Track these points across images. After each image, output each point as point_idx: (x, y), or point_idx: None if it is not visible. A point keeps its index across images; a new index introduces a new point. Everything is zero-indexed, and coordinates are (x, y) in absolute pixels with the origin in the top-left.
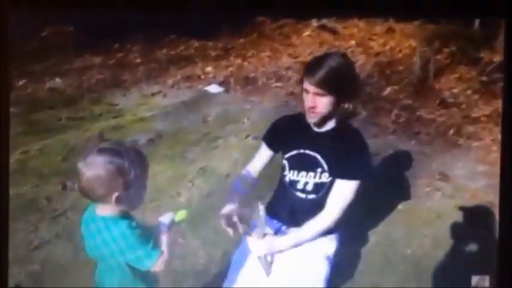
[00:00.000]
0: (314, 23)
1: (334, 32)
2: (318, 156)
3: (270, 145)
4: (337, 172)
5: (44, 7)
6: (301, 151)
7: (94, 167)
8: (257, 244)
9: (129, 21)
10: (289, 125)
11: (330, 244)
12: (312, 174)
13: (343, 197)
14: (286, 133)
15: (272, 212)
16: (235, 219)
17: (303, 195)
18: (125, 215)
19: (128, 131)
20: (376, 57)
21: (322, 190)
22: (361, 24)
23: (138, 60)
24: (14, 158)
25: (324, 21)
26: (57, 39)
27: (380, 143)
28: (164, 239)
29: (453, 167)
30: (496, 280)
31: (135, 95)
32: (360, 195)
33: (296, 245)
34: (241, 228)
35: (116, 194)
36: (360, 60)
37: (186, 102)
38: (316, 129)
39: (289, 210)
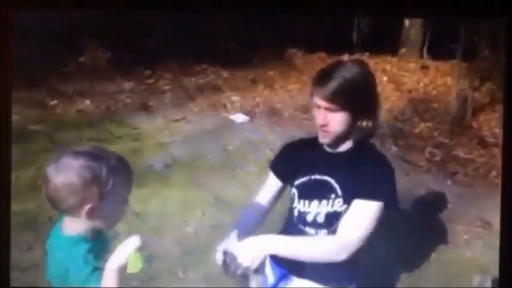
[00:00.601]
0: (345, 57)
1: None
2: (331, 180)
3: (278, 173)
4: (352, 196)
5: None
6: (313, 177)
7: (65, 172)
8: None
9: (162, 49)
10: (300, 149)
11: None
12: (324, 202)
13: (358, 219)
14: (297, 158)
15: (276, 257)
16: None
17: (312, 231)
18: (95, 236)
19: (145, 155)
20: (409, 93)
21: (335, 223)
22: (393, 60)
23: (166, 87)
24: (29, 174)
25: (356, 56)
26: (94, 64)
27: (412, 182)
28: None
29: (496, 213)
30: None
31: (159, 121)
32: (386, 240)
33: (288, 253)
34: (237, 270)
35: (88, 206)
36: (392, 97)
37: (209, 129)
38: (329, 150)
39: None
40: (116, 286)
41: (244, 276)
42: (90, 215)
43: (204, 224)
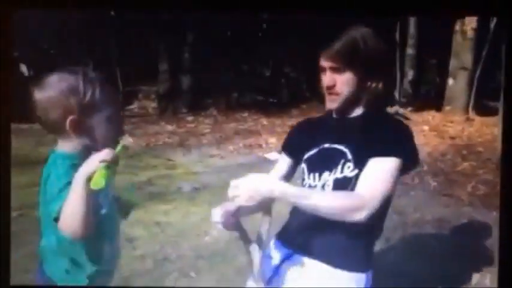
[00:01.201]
0: (388, 110)
1: (406, 118)
2: (341, 147)
3: (288, 151)
4: (365, 158)
5: None
6: (321, 147)
7: (45, 88)
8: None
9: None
10: (309, 124)
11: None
12: (333, 170)
13: (376, 176)
14: (306, 133)
15: (283, 236)
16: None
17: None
18: (83, 156)
19: (175, 180)
20: (452, 140)
21: (345, 189)
22: (437, 114)
23: (206, 131)
24: None
25: (397, 108)
26: (142, 110)
27: (452, 212)
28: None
29: None
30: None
31: (194, 156)
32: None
33: (300, 201)
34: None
35: (70, 118)
36: (433, 142)
37: (242, 164)
38: (339, 117)
39: (302, 231)
40: (82, 198)
41: (244, 239)
42: (73, 127)
43: (223, 236)
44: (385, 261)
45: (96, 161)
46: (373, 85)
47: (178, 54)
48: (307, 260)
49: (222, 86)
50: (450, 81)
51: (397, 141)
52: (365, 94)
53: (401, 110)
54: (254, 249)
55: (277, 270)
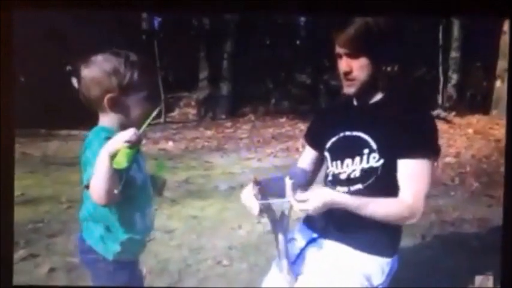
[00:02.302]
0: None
1: (449, 121)
2: (364, 135)
3: (310, 142)
4: (390, 151)
5: None
6: (342, 134)
7: (91, 67)
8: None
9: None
10: (329, 112)
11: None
12: (358, 159)
13: (415, 179)
14: (326, 121)
15: (309, 220)
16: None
17: (344, 189)
18: (120, 129)
19: (212, 179)
20: (497, 143)
21: (371, 178)
22: (482, 117)
23: (244, 135)
24: None
25: (439, 112)
26: (182, 117)
27: (493, 212)
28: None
29: None
30: (500, 280)
31: (232, 158)
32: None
33: (356, 207)
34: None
35: (109, 95)
36: (477, 144)
37: (279, 166)
38: (358, 104)
39: (328, 215)
40: (106, 172)
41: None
42: (110, 105)
43: (257, 230)
44: (418, 255)
45: (120, 141)
46: (389, 68)
47: (218, 62)
48: (332, 244)
49: (261, 93)
50: (498, 83)
51: (424, 139)
52: (381, 78)
53: (443, 114)
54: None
55: (301, 253)
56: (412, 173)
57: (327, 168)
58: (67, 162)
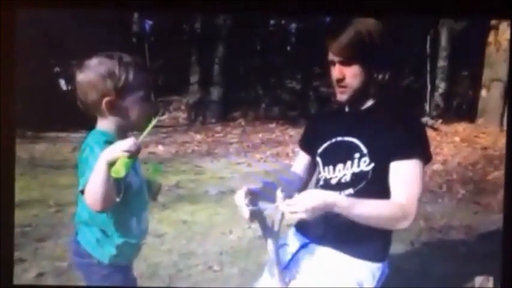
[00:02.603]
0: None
1: (436, 129)
2: (354, 140)
3: (303, 147)
4: (381, 155)
5: None
6: (334, 140)
7: (85, 71)
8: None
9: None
10: (321, 118)
11: (368, 272)
12: (349, 163)
13: (407, 182)
14: (318, 127)
15: (301, 226)
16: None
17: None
18: (119, 135)
19: (202, 184)
20: (484, 150)
21: (362, 183)
22: (468, 127)
23: (234, 140)
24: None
25: (427, 119)
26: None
27: (480, 219)
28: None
29: None
30: (500, 281)
31: (222, 163)
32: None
33: (347, 206)
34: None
35: (106, 99)
36: (463, 152)
37: (269, 171)
38: (350, 110)
39: (320, 221)
40: (102, 179)
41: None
42: (108, 108)
43: (247, 235)
44: (408, 261)
45: (119, 150)
46: (380, 76)
47: (209, 66)
48: (324, 249)
49: (251, 98)
50: (483, 92)
51: (415, 142)
52: (373, 85)
53: (430, 121)
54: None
55: (293, 259)
56: (405, 175)
57: (319, 173)
58: (55, 165)
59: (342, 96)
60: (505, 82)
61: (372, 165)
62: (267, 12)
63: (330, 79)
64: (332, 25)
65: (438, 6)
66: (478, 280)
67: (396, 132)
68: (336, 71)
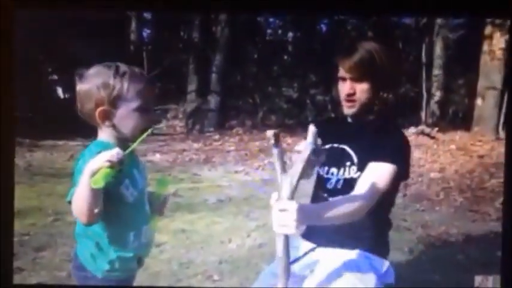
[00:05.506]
0: (412, 129)
1: (432, 137)
2: (348, 148)
3: None
4: (366, 162)
5: None
6: (331, 145)
7: (83, 81)
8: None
9: (230, 115)
10: (327, 124)
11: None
12: (342, 169)
13: (372, 178)
14: (322, 131)
15: (308, 234)
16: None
17: (330, 198)
18: (116, 144)
19: (201, 192)
20: (480, 158)
21: (350, 190)
22: (465, 134)
23: (231, 148)
24: None
25: (423, 128)
26: (170, 129)
27: (478, 227)
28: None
29: None
30: (499, 280)
31: (220, 171)
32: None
33: (321, 217)
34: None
35: (100, 109)
36: (459, 160)
37: (267, 180)
38: (351, 121)
39: (325, 228)
40: (86, 190)
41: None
42: (102, 117)
43: (247, 243)
44: (406, 269)
45: (101, 160)
46: (385, 95)
47: (206, 75)
48: (328, 250)
49: (248, 107)
50: (479, 101)
51: (396, 150)
52: (377, 101)
53: (427, 130)
54: (279, 238)
55: (298, 259)
56: (373, 173)
57: (318, 174)
58: (52, 173)
59: (349, 110)
60: (499, 91)
61: (359, 173)
62: (267, 13)
63: (337, 93)
64: (343, 44)
65: (438, 6)
66: (478, 279)
67: (382, 144)
68: (347, 86)
